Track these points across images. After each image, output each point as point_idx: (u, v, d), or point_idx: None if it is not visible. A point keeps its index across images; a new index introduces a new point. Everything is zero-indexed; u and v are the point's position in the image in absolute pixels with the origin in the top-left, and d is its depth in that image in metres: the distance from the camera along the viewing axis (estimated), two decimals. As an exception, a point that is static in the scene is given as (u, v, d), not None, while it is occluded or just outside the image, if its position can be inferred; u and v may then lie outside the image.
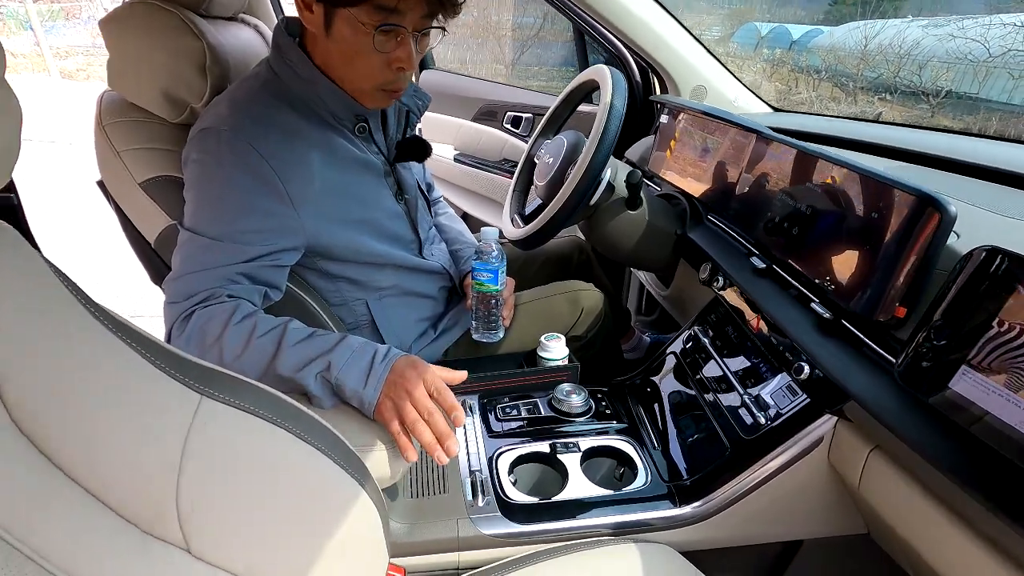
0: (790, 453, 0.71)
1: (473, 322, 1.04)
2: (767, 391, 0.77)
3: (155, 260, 0.85)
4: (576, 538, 0.75)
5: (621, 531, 0.75)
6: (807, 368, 0.70)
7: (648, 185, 1.27)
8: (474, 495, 0.76)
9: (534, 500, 0.77)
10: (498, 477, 0.80)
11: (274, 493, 0.47)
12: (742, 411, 0.79)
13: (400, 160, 0.96)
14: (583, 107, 1.28)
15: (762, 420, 0.75)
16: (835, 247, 0.72)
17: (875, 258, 0.65)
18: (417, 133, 1.02)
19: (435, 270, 1.04)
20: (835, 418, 0.69)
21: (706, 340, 0.93)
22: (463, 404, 0.88)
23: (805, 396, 0.72)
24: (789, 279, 0.81)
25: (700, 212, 1.11)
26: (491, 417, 0.91)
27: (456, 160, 1.95)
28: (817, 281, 0.74)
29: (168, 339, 0.71)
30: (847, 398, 0.65)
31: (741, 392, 0.80)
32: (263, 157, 0.75)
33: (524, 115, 1.79)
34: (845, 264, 0.70)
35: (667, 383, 0.96)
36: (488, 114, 1.89)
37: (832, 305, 0.71)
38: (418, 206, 1.02)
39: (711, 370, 0.89)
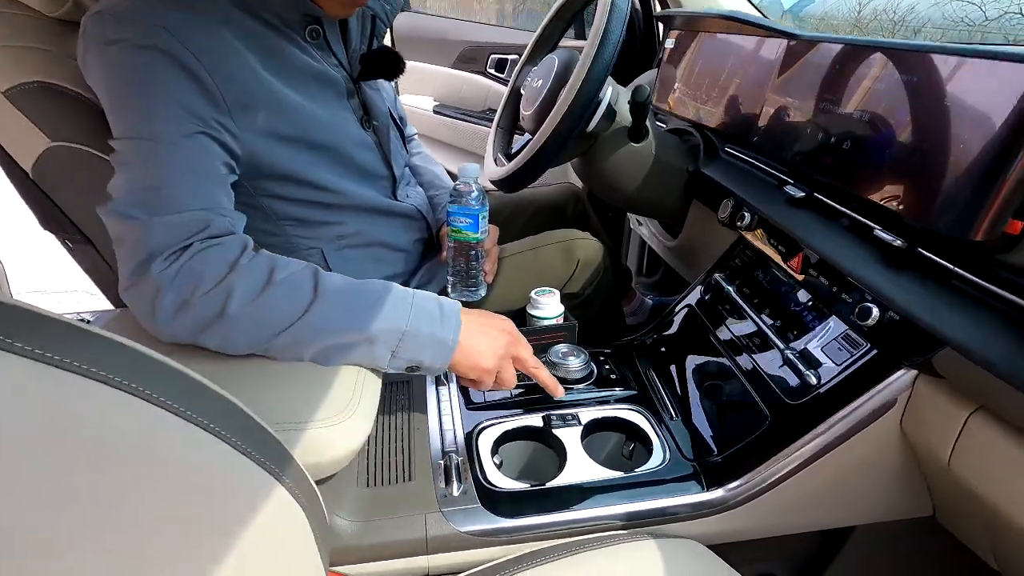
0: (851, 420, 0.56)
1: (450, 278, 0.87)
2: (816, 344, 0.61)
3: (36, 193, 0.67)
4: (578, 534, 0.59)
5: (635, 523, 0.60)
6: (875, 311, 0.54)
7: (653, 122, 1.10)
8: (447, 482, 0.60)
9: (523, 487, 0.61)
10: (479, 459, 0.64)
11: (127, 496, 0.30)
12: (784, 370, 0.63)
13: (366, 78, 0.78)
14: (571, 42, 1.11)
15: (812, 380, 0.59)
16: (907, 157, 0.56)
17: (970, 162, 0.49)
18: (387, 44, 0.83)
19: (409, 214, 0.87)
20: (914, 373, 0.53)
21: (730, 288, 0.77)
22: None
23: (870, 347, 0.56)
24: (838, 207, 0.65)
25: (715, 145, 0.94)
26: (471, 387, 0.75)
27: (436, 112, 1.76)
28: (882, 202, 0.58)
29: (139, 268, 0.52)
30: (935, 346, 0.49)
31: (781, 347, 0.64)
32: (181, 41, 0.56)
33: (509, 56, 1.60)
34: (922, 176, 0.54)
35: (684, 341, 0.80)
36: (469, 59, 1.70)
37: (904, 230, 0.55)
38: (390, 136, 0.84)
39: (739, 324, 0.73)
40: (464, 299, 0.88)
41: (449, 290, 0.88)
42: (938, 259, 0.52)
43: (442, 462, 0.62)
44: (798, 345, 0.63)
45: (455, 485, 0.59)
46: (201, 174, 0.57)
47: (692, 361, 0.76)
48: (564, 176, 1.32)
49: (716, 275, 0.81)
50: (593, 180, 0.97)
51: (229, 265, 0.53)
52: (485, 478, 0.61)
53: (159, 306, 0.52)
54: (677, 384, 0.74)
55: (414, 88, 1.79)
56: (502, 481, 0.61)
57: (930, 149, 0.53)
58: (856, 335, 0.58)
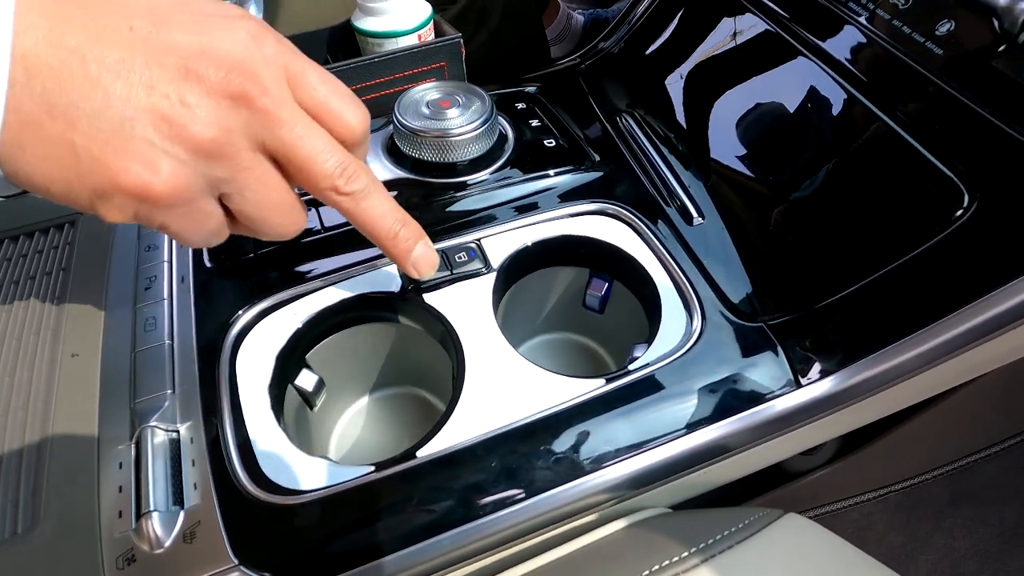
0: None
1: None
2: None
3: None
4: (520, 541, 0.24)
5: (648, 488, 0.25)
6: None
7: None
8: (139, 515, 0.21)
9: (363, 473, 0.24)
10: (232, 421, 0.24)
11: None
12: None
13: None
14: None
15: None
16: None
17: None
18: None
19: None
20: None
21: None
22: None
23: None
24: None
25: None
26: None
27: None
28: None
29: None
30: None
31: None
32: None
33: None
34: None
35: (699, 26, 0.38)
36: None
37: None
38: None
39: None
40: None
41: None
42: None
43: (119, 460, 0.22)
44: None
45: (154, 523, 0.20)
46: None
47: (736, 91, 0.34)
48: None
49: None
50: None
51: None
52: (255, 476, 0.23)
53: None
54: (699, 141, 0.34)
55: None
56: (299, 474, 0.23)
57: None
58: None
